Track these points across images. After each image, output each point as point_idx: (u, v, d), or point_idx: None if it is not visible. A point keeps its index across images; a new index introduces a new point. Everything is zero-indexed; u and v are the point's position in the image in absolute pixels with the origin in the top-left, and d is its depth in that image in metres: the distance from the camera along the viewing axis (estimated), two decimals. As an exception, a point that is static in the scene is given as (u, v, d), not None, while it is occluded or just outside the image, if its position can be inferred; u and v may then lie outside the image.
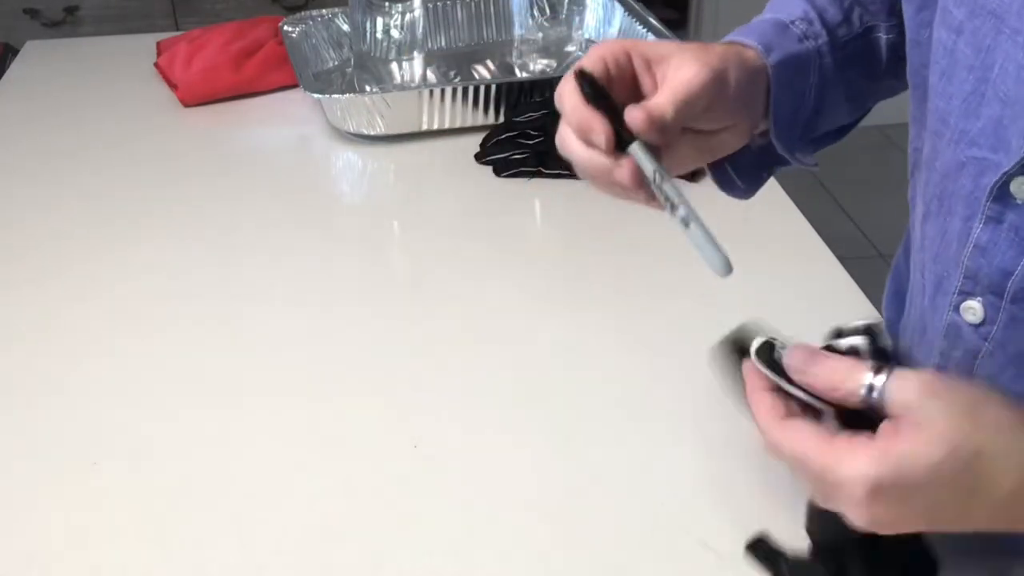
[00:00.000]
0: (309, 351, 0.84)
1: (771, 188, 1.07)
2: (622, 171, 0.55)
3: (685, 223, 0.51)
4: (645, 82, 0.58)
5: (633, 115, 0.54)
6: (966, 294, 0.59)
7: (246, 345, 0.85)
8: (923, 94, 0.61)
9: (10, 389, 0.81)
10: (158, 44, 1.39)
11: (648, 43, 0.58)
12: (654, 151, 0.54)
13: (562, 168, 1.09)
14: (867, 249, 2.43)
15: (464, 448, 0.74)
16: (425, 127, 1.17)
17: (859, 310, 0.88)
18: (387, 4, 1.21)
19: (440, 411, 0.77)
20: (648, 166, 0.53)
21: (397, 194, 1.11)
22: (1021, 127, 0.51)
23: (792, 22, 0.66)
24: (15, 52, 1.48)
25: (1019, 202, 0.53)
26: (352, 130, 1.16)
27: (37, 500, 0.70)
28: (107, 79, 1.35)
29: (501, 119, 1.17)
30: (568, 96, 0.55)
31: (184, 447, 0.75)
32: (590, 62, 0.56)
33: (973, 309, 0.58)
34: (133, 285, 0.93)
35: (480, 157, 1.13)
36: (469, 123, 1.17)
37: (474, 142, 1.14)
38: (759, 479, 0.70)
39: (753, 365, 0.51)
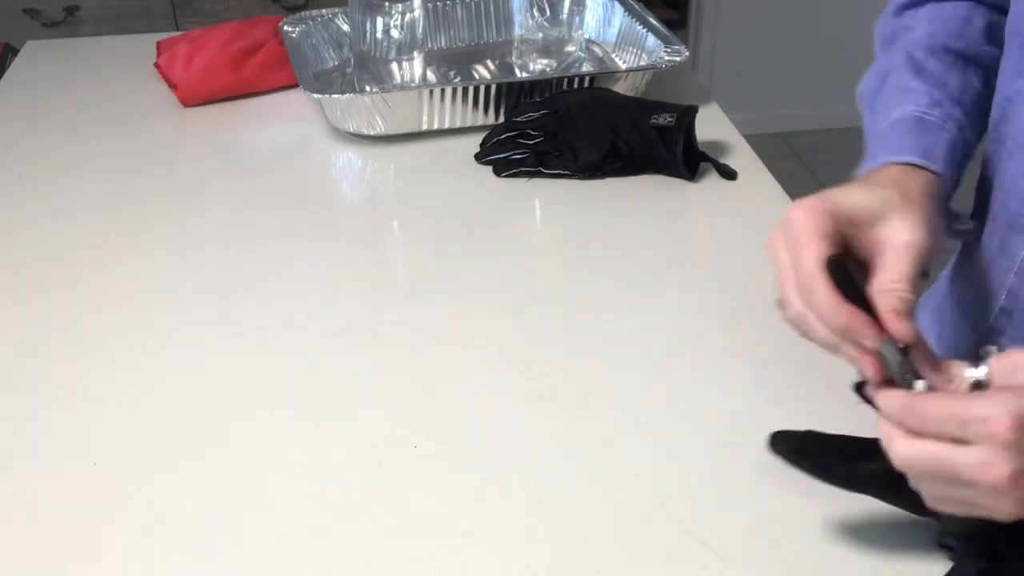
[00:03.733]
0: (309, 351, 0.84)
1: (772, 189, 1.07)
2: (868, 364, 0.55)
3: None
4: (857, 246, 0.58)
5: (899, 328, 0.54)
6: None
7: (245, 345, 0.85)
8: None
9: (10, 389, 0.81)
10: (158, 44, 1.39)
11: (844, 198, 0.58)
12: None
13: (562, 168, 1.09)
14: (867, 249, 2.42)
15: (464, 449, 0.74)
16: (425, 127, 1.17)
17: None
18: (387, 4, 1.21)
19: (440, 411, 0.77)
20: (894, 360, 0.54)
21: (397, 194, 1.11)
22: None
23: (925, 114, 0.66)
24: (15, 52, 1.48)
25: None
26: (352, 130, 1.16)
27: (37, 500, 0.70)
28: (107, 79, 1.35)
29: (501, 119, 1.17)
30: (822, 292, 0.55)
31: (184, 447, 0.75)
32: (819, 243, 0.56)
33: None
34: (132, 285, 0.93)
35: (480, 157, 1.13)
36: (469, 123, 1.17)
37: (474, 142, 1.14)
38: (760, 479, 0.70)
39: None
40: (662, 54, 1.22)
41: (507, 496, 0.70)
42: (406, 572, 0.64)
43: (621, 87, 1.19)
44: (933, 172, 0.62)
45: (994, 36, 0.71)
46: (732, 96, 1.96)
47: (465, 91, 1.15)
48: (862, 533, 0.66)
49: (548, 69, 1.29)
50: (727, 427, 0.75)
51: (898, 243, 0.57)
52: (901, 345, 0.54)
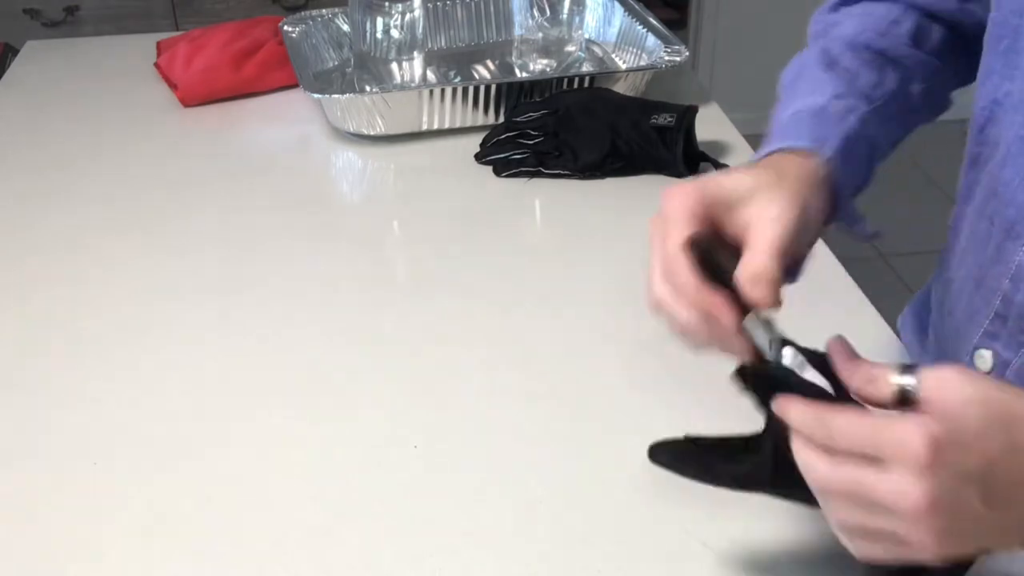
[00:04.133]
0: (309, 351, 0.84)
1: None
2: (738, 344, 0.54)
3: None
4: (727, 227, 0.58)
5: (753, 292, 0.53)
6: None
7: (246, 345, 0.85)
8: (1013, 42, 0.62)
9: (10, 389, 0.81)
10: (158, 44, 1.39)
11: (716, 183, 0.58)
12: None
13: (562, 168, 1.09)
14: (867, 249, 2.42)
15: (464, 448, 0.74)
16: (425, 127, 1.17)
17: (859, 310, 0.88)
18: (387, 4, 1.21)
19: (440, 411, 0.77)
20: (763, 338, 0.54)
21: (397, 194, 1.11)
22: None
23: (826, 104, 0.66)
24: (15, 52, 1.48)
25: None
26: (352, 130, 1.16)
27: (37, 500, 0.70)
28: (107, 79, 1.35)
29: (501, 119, 1.17)
30: (684, 273, 0.55)
31: (184, 447, 0.75)
32: (686, 225, 0.55)
33: None
34: (131, 284, 0.93)
35: (480, 157, 1.13)
36: (469, 123, 1.17)
37: (474, 142, 1.14)
38: (759, 479, 0.70)
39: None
40: (662, 54, 1.22)
41: (507, 496, 0.70)
42: (406, 572, 0.64)
43: (621, 87, 1.19)
44: (821, 158, 0.62)
45: (920, 40, 0.72)
46: (732, 96, 1.95)
47: (465, 91, 1.15)
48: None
49: (548, 69, 1.29)
50: (727, 427, 0.75)
51: (764, 217, 0.57)
52: (766, 315, 0.54)
